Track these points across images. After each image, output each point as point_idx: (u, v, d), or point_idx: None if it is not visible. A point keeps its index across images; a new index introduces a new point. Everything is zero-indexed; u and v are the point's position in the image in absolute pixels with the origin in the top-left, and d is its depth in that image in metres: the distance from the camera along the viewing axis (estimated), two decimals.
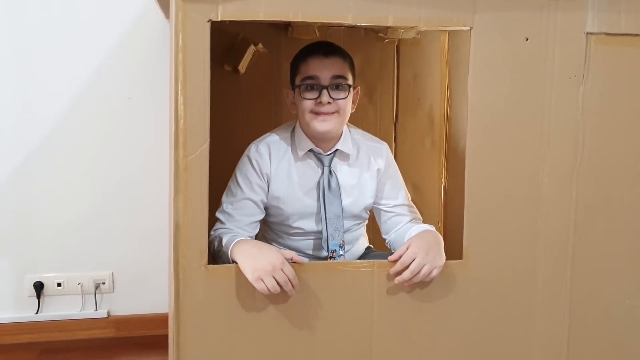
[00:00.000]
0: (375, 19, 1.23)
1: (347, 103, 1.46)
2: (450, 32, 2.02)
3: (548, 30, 1.28)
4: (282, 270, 1.23)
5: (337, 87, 1.43)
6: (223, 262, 1.33)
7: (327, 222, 1.51)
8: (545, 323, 1.38)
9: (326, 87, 1.42)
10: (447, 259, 1.33)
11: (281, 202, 1.51)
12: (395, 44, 2.05)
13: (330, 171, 1.51)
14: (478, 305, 1.35)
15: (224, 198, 1.48)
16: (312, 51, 1.45)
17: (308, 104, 1.43)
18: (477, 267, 1.33)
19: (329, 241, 1.51)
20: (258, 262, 1.24)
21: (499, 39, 1.27)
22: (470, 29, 1.26)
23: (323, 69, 1.42)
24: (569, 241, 1.35)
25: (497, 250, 1.34)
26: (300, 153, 1.50)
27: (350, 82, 1.46)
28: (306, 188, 1.52)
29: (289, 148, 1.52)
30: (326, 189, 1.50)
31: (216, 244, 1.38)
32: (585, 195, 1.34)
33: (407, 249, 1.31)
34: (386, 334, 1.33)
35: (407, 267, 1.28)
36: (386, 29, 1.96)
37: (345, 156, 1.54)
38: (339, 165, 1.53)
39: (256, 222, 1.49)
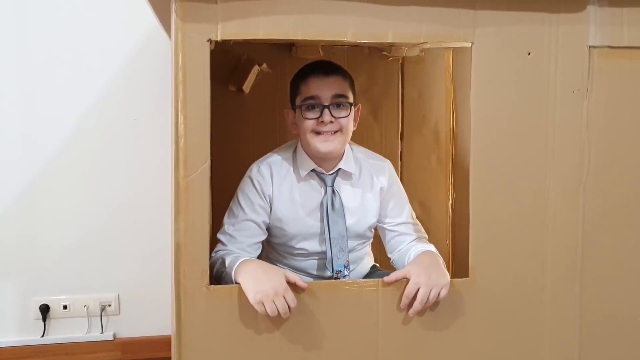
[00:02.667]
0: (375, 36, 1.22)
1: (348, 121, 1.45)
2: (454, 49, 2.02)
3: (550, 44, 1.27)
4: (284, 297, 1.21)
5: (339, 106, 1.43)
6: (226, 284, 1.32)
7: (332, 242, 1.49)
8: (555, 339, 1.35)
9: (327, 107, 1.41)
10: (456, 276, 1.31)
11: (284, 223, 1.49)
12: (399, 62, 2.05)
13: (333, 191, 1.50)
14: (485, 323, 1.33)
15: (225, 219, 1.47)
16: (312, 71, 1.44)
17: (309, 124, 1.42)
18: (483, 285, 1.31)
19: (333, 262, 1.50)
20: (261, 285, 1.22)
21: (500, 53, 1.26)
22: (472, 45, 1.25)
23: (324, 89, 1.41)
24: (577, 256, 1.33)
25: (504, 267, 1.32)
26: (303, 173, 1.49)
27: (351, 100, 1.45)
28: (309, 209, 1.50)
29: (291, 168, 1.51)
30: (330, 209, 1.49)
31: (218, 265, 1.37)
32: (592, 209, 1.32)
33: (406, 278, 1.28)
34: (392, 354, 1.31)
35: (414, 297, 1.26)
36: (390, 47, 1.96)
37: (348, 175, 1.52)
38: (342, 185, 1.52)
39: (258, 243, 1.48)
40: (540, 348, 1.35)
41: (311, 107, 1.42)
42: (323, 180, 1.51)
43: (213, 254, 1.40)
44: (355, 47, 1.99)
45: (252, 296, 1.21)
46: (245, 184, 1.49)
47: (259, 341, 1.26)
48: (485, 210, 1.30)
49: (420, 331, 1.31)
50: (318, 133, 1.42)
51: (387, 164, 1.59)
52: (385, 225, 1.57)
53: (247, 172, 1.50)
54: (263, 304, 1.20)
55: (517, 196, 1.30)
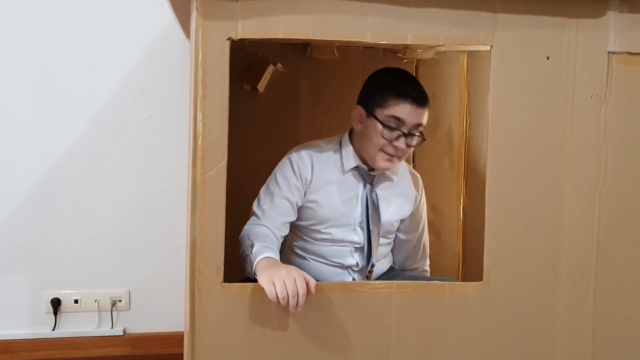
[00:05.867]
0: (394, 37, 1.22)
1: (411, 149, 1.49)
2: (469, 52, 2.02)
3: (569, 49, 1.27)
4: (295, 280, 1.19)
5: (414, 135, 1.45)
6: (246, 265, 1.34)
7: (371, 235, 1.52)
8: (567, 347, 1.34)
9: (406, 135, 1.43)
10: (466, 279, 1.31)
11: (318, 206, 1.51)
12: (414, 64, 2.05)
13: (372, 189, 1.53)
14: (498, 327, 1.32)
15: (261, 194, 1.49)
16: (409, 95, 1.43)
17: (382, 142, 1.45)
18: (497, 289, 1.31)
19: (372, 255, 1.53)
20: (276, 270, 1.23)
21: (519, 57, 1.26)
22: (491, 48, 1.25)
23: (413, 118, 1.43)
24: (591, 263, 1.32)
25: (518, 272, 1.31)
26: (347, 167, 1.52)
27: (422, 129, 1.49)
28: (345, 197, 1.53)
29: (332, 160, 1.53)
30: (370, 204, 1.52)
31: (246, 245, 1.38)
32: (609, 216, 1.31)
33: None
34: (405, 356, 1.30)
35: None
36: (405, 49, 1.96)
37: (387, 177, 1.57)
38: (380, 184, 1.56)
39: (288, 223, 1.50)
40: (553, 354, 1.34)
41: (391, 129, 1.43)
42: (363, 177, 1.54)
43: (246, 226, 1.44)
44: (370, 49, 1.99)
45: (265, 279, 1.21)
46: (283, 165, 1.51)
47: (272, 339, 1.26)
48: (501, 214, 1.29)
49: (434, 334, 1.30)
50: (386, 152, 1.45)
51: (419, 177, 1.66)
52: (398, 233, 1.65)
53: (287, 154, 1.52)
54: (274, 283, 1.18)
55: (533, 201, 1.30)
